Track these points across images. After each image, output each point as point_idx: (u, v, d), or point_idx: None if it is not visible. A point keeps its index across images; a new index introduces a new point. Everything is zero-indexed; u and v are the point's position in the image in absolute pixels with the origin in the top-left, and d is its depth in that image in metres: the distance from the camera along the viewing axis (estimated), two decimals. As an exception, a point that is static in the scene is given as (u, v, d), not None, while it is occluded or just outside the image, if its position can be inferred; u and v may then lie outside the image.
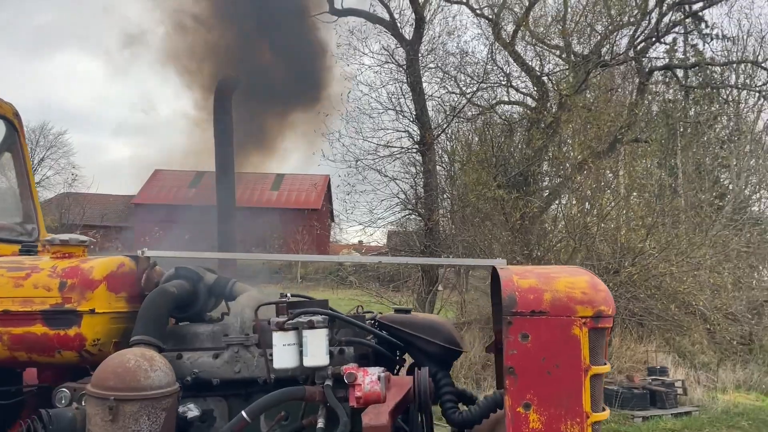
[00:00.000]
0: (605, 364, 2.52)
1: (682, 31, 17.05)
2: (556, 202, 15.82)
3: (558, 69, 17.03)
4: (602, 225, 13.80)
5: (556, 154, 15.79)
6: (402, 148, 16.70)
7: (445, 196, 16.26)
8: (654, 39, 15.89)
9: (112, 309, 2.93)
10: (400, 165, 16.92)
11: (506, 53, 16.47)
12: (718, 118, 16.75)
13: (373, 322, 2.92)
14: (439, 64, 17.27)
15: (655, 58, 16.64)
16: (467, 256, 13.92)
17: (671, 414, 11.17)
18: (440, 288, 15.64)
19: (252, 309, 2.90)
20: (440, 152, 16.69)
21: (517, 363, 2.45)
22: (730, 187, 16.40)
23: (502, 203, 14.09)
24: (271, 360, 2.72)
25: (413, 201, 16.48)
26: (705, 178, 15.18)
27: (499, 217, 14.58)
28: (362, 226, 16.43)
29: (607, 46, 16.08)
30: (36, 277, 2.92)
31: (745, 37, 17.11)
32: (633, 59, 15.77)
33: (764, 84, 15.87)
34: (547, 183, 16.05)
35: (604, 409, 2.52)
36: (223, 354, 2.90)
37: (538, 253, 13.98)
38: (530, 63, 16.55)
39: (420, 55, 16.72)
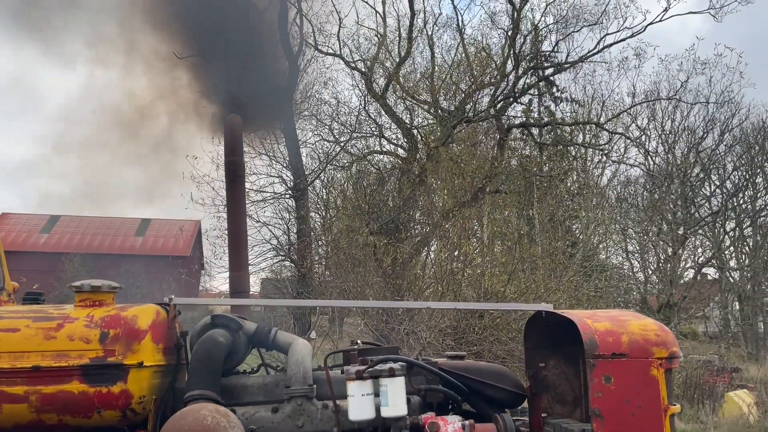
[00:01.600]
0: (675, 405, 2.72)
1: (536, 93, 18.69)
2: (425, 248, 16.41)
3: (426, 123, 17.92)
4: (468, 271, 14.51)
5: (425, 203, 16.46)
6: (275, 193, 16.54)
7: (320, 243, 16.26)
8: (512, 99, 17.30)
9: (156, 362, 2.65)
10: (273, 210, 16.71)
11: (378, 105, 17.08)
12: (569, 173, 18.45)
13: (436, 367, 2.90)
14: (314, 112, 17.48)
15: (513, 116, 18.11)
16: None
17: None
18: (313, 336, 15.48)
19: (309, 357, 2.76)
20: (315, 198, 16.73)
21: (602, 405, 2.57)
22: (580, 237, 18.01)
23: (374, 249, 14.40)
24: (339, 411, 2.61)
25: (286, 247, 16.29)
26: (558, 228, 16.55)
27: (371, 263, 14.84)
28: (233, 272, 15.85)
29: (471, 104, 17.22)
30: (70, 328, 2.57)
31: (589, 101, 19.12)
32: (494, 117, 16.99)
33: (606, 143, 17.79)
34: (418, 230, 16.62)
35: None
36: (284, 407, 2.73)
37: (409, 298, 14.36)
38: (400, 116, 17.28)
39: (294, 102, 16.82)
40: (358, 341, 2.77)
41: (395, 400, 2.57)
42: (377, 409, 2.59)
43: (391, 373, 2.58)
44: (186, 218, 20.79)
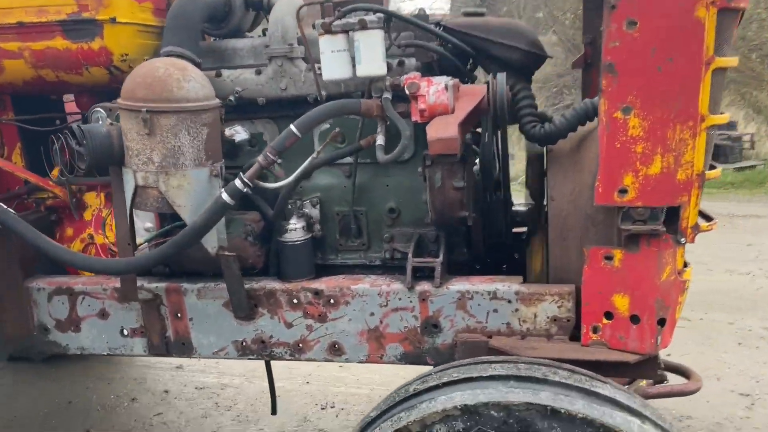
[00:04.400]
0: (725, 56, 2.06)
1: None
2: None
3: None
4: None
5: None
6: None
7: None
8: None
9: (136, 20, 2.54)
10: None
11: None
12: None
13: (438, 26, 2.46)
14: None
15: None
16: None
17: (733, 168, 10.82)
18: None
19: (294, 15, 2.46)
20: None
21: (618, 57, 2.00)
22: None
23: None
24: (320, 73, 2.35)
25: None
26: None
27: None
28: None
29: None
30: (47, -17, 2.52)
31: None
32: None
33: None
34: None
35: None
36: (266, 69, 2.54)
37: None
38: None
39: None
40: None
41: (368, 56, 2.23)
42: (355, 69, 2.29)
43: (363, 26, 2.21)
44: None
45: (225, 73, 2.58)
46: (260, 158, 2.23)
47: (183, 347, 2.68)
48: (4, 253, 2.78)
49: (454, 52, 2.44)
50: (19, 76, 2.63)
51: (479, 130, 2.57)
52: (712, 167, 2.20)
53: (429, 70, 2.44)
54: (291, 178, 2.34)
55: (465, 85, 2.33)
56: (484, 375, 1.80)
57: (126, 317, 2.72)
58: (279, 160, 2.25)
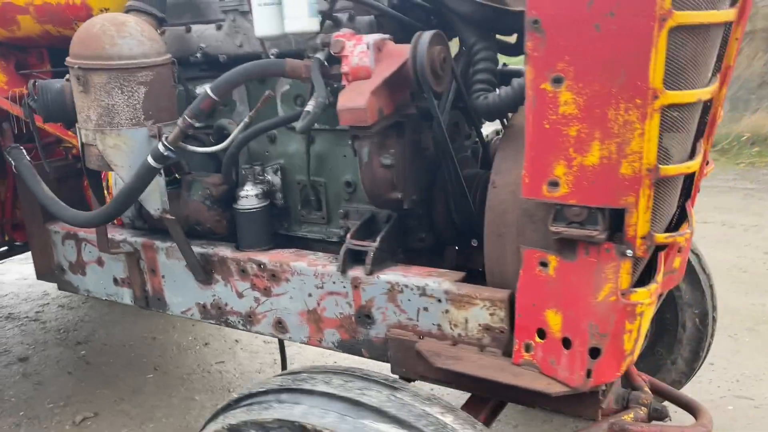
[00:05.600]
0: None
1: None
2: None
3: None
4: None
5: None
6: None
7: None
8: None
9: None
10: None
11: None
12: None
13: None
14: None
15: None
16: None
17: None
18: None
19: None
20: None
21: (545, 12, 1.55)
22: None
23: None
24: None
25: None
26: None
27: None
28: None
29: None
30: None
31: None
32: None
33: None
34: None
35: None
36: (223, 25, 2.39)
37: None
38: None
39: None
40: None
41: (295, 9, 1.98)
42: (287, 25, 2.05)
43: (287, -28, 1.96)
44: None
45: (194, 28, 2.47)
46: (179, 121, 2.11)
47: (159, 303, 2.71)
48: (31, 195, 2.99)
49: (407, 5, 2.08)
50: (31, 31, 2.76)
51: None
52: (706, 162, 1.67)
53: (381, 27, 2.12)
54: (223, 144, 2.20)
55: (397, 45, 1.97)
56: (262, 390, 1.55)
57: (116, 267, 2.80)
58: (197, 124, 2.11)
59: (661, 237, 1.63)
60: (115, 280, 2.83)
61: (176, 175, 2.56)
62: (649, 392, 2.23)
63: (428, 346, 2.01)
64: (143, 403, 3.57)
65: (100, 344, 4.29)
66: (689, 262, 2.76)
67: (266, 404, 1.51)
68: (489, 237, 1.92)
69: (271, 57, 2.26)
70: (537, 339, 1.82)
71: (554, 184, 1.65)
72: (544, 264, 1.75)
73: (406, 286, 2.05)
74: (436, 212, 2.23)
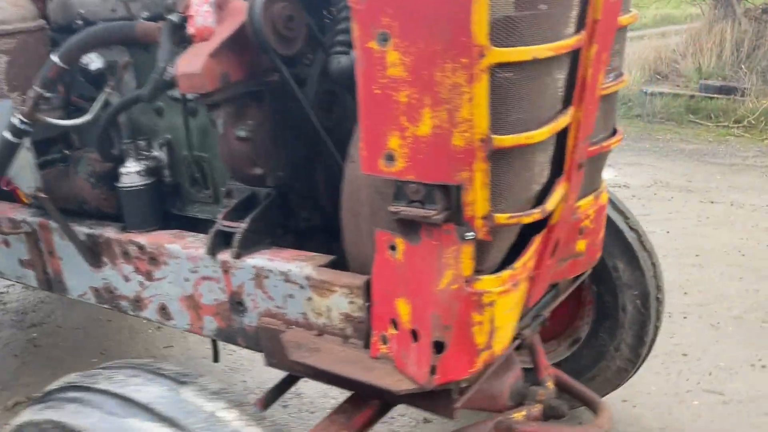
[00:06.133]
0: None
1: None
2: None
3: None
4: None
5: None
6: None
7: None
8: None
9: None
10: None
11: None
12: None
13: None
14: None
15: None
16: None
17: None
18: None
19: None
20: None
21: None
22: None
23: None
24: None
25: None
26: None
27: None
28: None
29: None
30: None
31: None
32: None
33: None
34: None
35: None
36: None
37: None
38: None
39: None
40: None
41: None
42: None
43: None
44: None
45: (79, -10, 2.32)
46: (30, 92, 1.97)
47: (60, 286, 2.59)
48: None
49: None
50: None
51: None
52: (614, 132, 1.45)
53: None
54: (84, 118, 2.05)
55: (241, 2, 1.77)
56: (57, 387, 1.41)
57: (20, 249, 2.69)
58: (48, 94, 1.97)
59: (502, 218, 1.43)
60: (21, 262, 2.72)
61: (65, 152, 2.42)
62: (551, 388, 2.03)
63: (293, 336, 1.85)
64: (78, 388, 3.50)
65: (54, 327, 4.22)
66: (626, 240, 2.53)
67: (55, 402, 1.37)
68: (345, 217, 1.74)
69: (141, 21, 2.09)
70: (391, 330, 1.64)
71: (390, 157, 1.46)
72: (393, 248, 1.57)
73: (271, 271, 1.89)
74: (319, 190, 2.06)
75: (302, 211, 2.09)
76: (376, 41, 1.39)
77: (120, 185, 2.26)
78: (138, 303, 2.32)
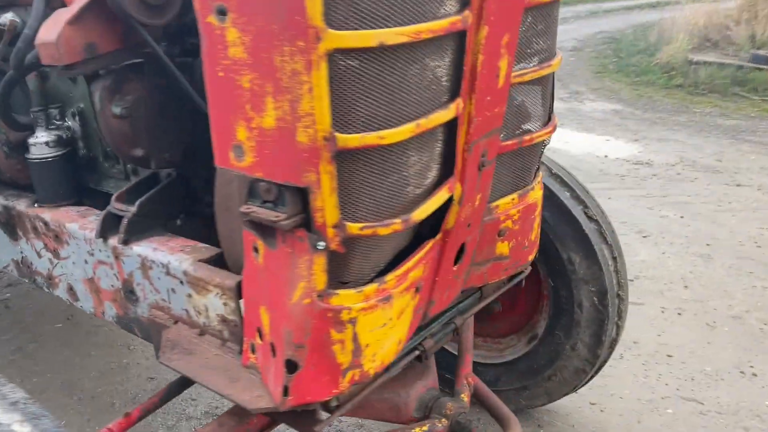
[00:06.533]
0: None
1: None
2: None
3: None
4: None
5: None
6: None
7: None
8: None
9: None
10: None
11: None
12: None
13: None
14: None
15: None
16: None
17: None
18: None
19: None
20: None
21: None
22: None
23: None
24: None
25: None
26: None
27: None
28: None
29: None
30: None
31: None
32: None
33: None
34: None
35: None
36: None
37: None
38: None
39: None
40: None
41: None
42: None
43: None
44: None
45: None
46: None
47: (-12, 257, 2.50)
48: None
49: None
50: None
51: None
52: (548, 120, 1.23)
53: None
54: None
55: None
56: None
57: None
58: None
59: (354, 227, 1.23)
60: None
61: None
62: (465, 400, 1.84)
63: (173, 334, 1.70)
64: (35, 355, 3.45)
65: (28, 290, 4.20)
66: (582, 231, 2.28)
67: None
68: (218, 211, 1.55)
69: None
70: (257, 340, 1.47)
71: (239, 150, 1.27)
72: (256, 249, 1.39)
73: (153, 261, 1.73)
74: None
75: (207, 195, 1.92)
76: (214, 15, 1.18)
77: (28, 156, 2.12)
78: (50, 281, 2.20)
